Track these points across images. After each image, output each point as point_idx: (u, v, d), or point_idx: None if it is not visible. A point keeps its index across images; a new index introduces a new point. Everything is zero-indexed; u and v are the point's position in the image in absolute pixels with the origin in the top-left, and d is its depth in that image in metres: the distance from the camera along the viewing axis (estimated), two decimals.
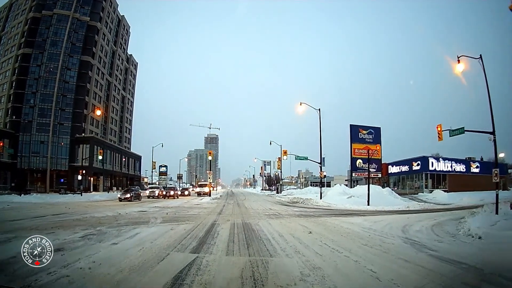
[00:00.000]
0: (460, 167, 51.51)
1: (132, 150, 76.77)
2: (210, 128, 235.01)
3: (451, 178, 49.28)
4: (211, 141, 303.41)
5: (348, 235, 9.41)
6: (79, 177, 57.24)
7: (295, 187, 72.15)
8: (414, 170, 49.50)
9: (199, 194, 35.35)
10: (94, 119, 62.31)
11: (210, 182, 34.04)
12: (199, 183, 38.99)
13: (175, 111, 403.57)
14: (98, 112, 41.04)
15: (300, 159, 32.18)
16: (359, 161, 35.60)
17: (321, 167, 32.04)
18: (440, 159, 50.68)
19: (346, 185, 78.71)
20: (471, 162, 53.17)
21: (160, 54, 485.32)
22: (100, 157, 41.86)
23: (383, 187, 39.35)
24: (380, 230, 10.34)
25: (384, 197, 30.57)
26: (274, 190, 67.87)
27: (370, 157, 30.34)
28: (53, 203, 24.94)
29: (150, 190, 33.39)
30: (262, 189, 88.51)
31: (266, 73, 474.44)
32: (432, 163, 49.45)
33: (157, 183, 74.15)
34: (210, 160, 31.32)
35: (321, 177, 32.30)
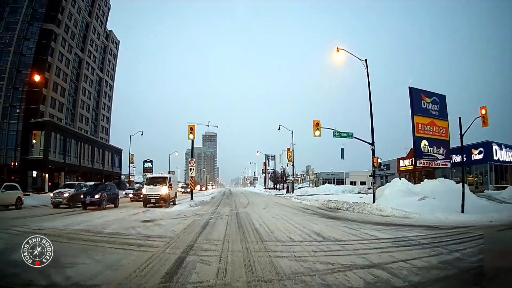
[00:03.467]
0: None
1: (118, 145, 63.65)
2: (208, 126, 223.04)
3: None
4: (209, 139, 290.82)
5: None
6: (34, 174, 45.29)
7: (307, 185, 59.66)
8: (475, 160, 37.09)
9: (146, 201, 17.27)
10: (57, 102, 49.66)
11: (192, 177, 21.23)
12: (149, 176, 21.22)
13: (173, 110, 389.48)
14: (37, 77, 28.81)
15: (342, 136, 19.96)
16: (424, 142, 23.09)
17: (373, 149, 19.73)
18: (503, 146, 38.55)
19: (365, 184, 66.44)
20: None
21: (158, 53, 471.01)
22: (34, 141, 29.33)
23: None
24: None
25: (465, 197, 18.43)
26: (282, 188, 55.28)
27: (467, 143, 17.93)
28: None
29: (55, 192, 17.90)
30: (265, 188, 76.00)
31: (267, 73, 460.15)
32: (496, 151, 37.31)
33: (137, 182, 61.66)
34: (192, 141, 18.78)
35: (375, 166, 19.97)
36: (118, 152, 62.67)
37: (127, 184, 66.88)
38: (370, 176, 62.55)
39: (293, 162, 42.84)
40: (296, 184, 57.25)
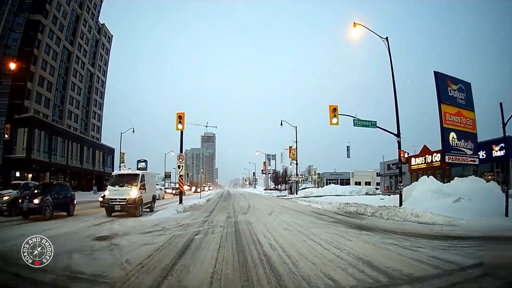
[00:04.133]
0: None
1: (114, 145, 59.84)
2: (206, 126, 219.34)
3: None
4: (208, 139, 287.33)
5: None
6: (17, 174, 41.94)
7: (311, 186, 56.24)
8: (496, 157, 33.73)
9: (110, 209, 12.95)
10: (43, 97, 46.23)
11: (181, 176, 17.60)
12: (115, 173, 15.88)
13: (171, 110, 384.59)
14: (12, 65, 25.94)
15: (363, 125, 16.64)
16: (452, 135, 19.73)
17: (399, 141, 16.48)
18: None
19: (378, 184, 63.07)
20: None
21: (156, 53, 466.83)
22: (6, 136, 26.17)
23: (443, 181, 23.90)
24: None
25: (496, 197, 15.82)
26: (284, 189, 51.87)
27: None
28: None
29: None
30: (265, 189, 72.54)
31: (266, 72, 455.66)
32: None
33: None
34: (182, 132, 15.49)
35: (401, 161, 16.72)
36: (110, 151, 59.22)
37: None
38: (378, 174, 59.21)
39: (296, 161, 39.46)
40: (300, 184, 53.69)
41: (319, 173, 73.27)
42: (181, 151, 17.20)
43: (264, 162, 75.26)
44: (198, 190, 48.98)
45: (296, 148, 39.35)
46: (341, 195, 33.52)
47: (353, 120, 17.19)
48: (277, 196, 41.66)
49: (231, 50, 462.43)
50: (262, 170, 79.08)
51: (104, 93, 63.79)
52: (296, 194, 38.74)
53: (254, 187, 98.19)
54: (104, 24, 65.91)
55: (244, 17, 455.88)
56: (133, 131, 44.55)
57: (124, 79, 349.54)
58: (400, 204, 15.69)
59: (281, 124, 38.69)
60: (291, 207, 19.03)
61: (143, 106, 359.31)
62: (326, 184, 71.27)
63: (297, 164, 39.63)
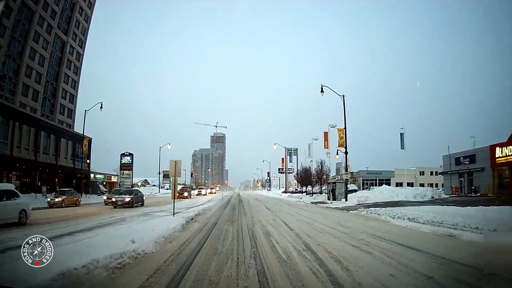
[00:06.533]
0: None
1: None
2: (216, 126, 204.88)
3: None
4: (218, 140, 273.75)
5: None
6: None
7: (355, 187, 41.47)
8: None
9: None
10: None
11: None
12: None
13: (180, 111, 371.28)
14: None
15: None
16: None
17: None
18: None
19: (422, 185, 47.92)
20: None
21: (163, 52, 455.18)
22: None
23: None
24: None
25: None
26: (318, 193, 37.27)
27: None
28: None
29: None
30: (285, 192, 58.16)
31: (278, 67, 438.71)
32: None
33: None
34: None
35: None
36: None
37: (101, 187, 49.89)
38: (439, 173, 44.50)
39: (346, 148, 25.03)
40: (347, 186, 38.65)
41: (352, 172, 58.56)
42: None
43: (283, 159, 60.72)
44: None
45: (345, 127, 24.97)
46: (412, 203, 19.49)
47: None
48: (312, 202, 27.16)
49: (239, 48, 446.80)
50: (280, 169, 64.50)
51: (80, 68, 50.11)
52: (345, 200, 24.19)
53: (268, 190, 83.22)
54: None
55: (245, 14, 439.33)
56: (101, 107, 31.04)
57: (119, 65, 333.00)
58: None
59: (322, 91, 24.69)
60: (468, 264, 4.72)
61: (142, 102, 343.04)
62: (362, 185, 57.19)
63: (346, 153, 25.15)
